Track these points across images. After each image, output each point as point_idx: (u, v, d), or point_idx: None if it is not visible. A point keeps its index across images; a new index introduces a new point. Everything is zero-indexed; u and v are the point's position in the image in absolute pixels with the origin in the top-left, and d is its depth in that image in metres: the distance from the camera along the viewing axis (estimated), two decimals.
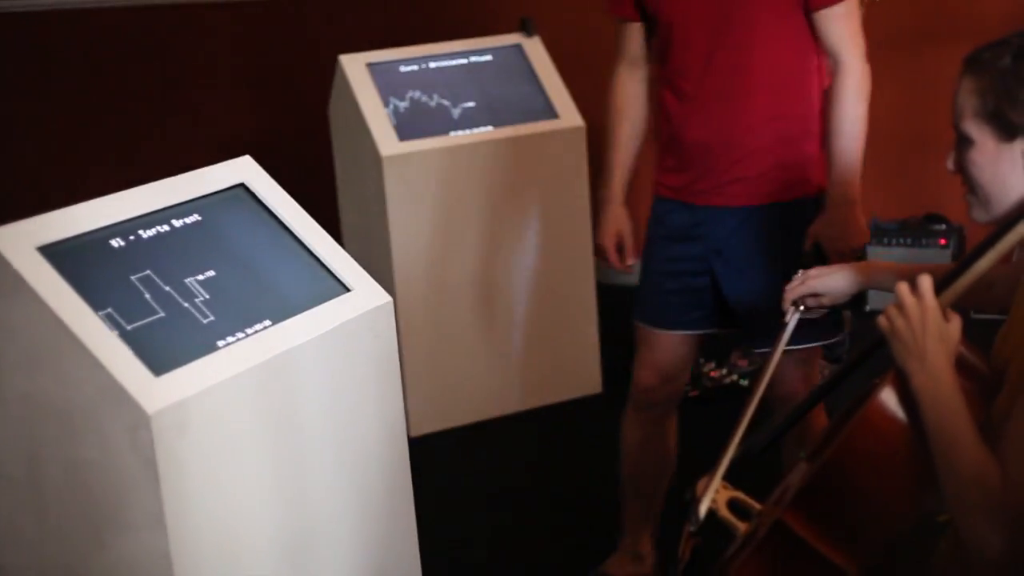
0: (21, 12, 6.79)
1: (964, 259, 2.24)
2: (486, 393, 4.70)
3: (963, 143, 2.24)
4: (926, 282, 2.18)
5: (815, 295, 2.73)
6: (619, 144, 3.52)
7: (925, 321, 2.15)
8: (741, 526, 2.47)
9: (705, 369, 4.78)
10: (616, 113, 3.52)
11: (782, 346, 2.72)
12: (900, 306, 2.18)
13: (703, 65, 3.24)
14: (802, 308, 2.74)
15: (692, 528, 2.48)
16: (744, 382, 4.70)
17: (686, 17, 3.24)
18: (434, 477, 4.17)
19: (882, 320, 2.20)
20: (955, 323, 2.18)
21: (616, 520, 3.63)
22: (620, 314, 5.39)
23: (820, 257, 3.20)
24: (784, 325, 2.74)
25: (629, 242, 3.52)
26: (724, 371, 4.79)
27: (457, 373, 4.65)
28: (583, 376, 4.83)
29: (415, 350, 4.51)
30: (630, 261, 3.53)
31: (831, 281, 2.72)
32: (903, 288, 2.18)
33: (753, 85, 3.22)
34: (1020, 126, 2.16)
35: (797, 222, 3.27)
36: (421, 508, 2.97)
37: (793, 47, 3.21)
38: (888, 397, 2.18)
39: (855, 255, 3.22)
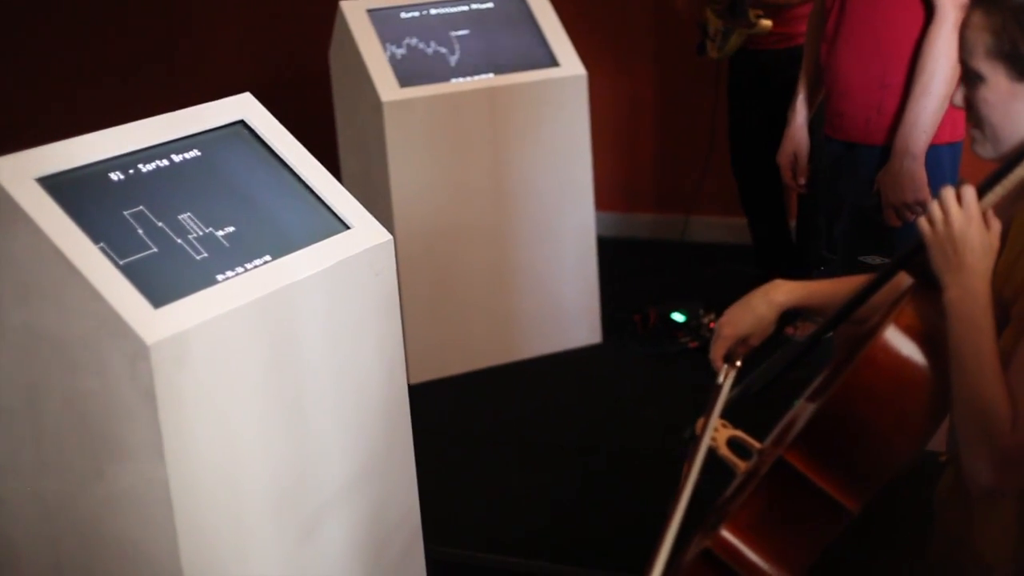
0: None
1: (1002, 165, 2.18)
2: (486, 342, 4.70)
3: (973, 79, 2.19)
4: (970, 192, 2.13)
5: (740, 341, 2.55)
6: (806, 63, 3.56)
7: (968, 233, 2.10)
8: (741, 464, 2.46)
9: (705, 320, 4.78)
10: (810, 29, 3.56)
11: (719, 408, 2.48)
12: (945, 212, 2.12)
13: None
14: (738, 364, 2.54)
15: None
16: None
17: None
18: (433, 424, 4.17)
19: (924, 223, 2.15)
20: (995, 230, 2.13)
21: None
22: (619, 265, 5.42)
23: (879, 206, 3.20)
24: (719, 387, 2.52)
25: (803, 162, 3.53)
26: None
27: (457, 321, 4.64)
28: (583, 325, 4.83)
29: (415, 297, 4.51)
30: (801, 180, 3.53)
31: (745, 319, 2.54)
32: (949, 194, 2.13)
33: (856, 23, 3.25)
34: None
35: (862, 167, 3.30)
36: (420, 454, 2.97)
37: None
38: (893, 335, 2.16)
39: (910, 210, 3.20)
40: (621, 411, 4.34)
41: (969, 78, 2.21)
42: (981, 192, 2.17)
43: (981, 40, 2.16)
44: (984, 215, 2.13)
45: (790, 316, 2.59)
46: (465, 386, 4.61)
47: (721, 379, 2.52)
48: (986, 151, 2.23)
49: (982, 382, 2.06)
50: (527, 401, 4.49)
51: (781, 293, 2.54)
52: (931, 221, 2.14)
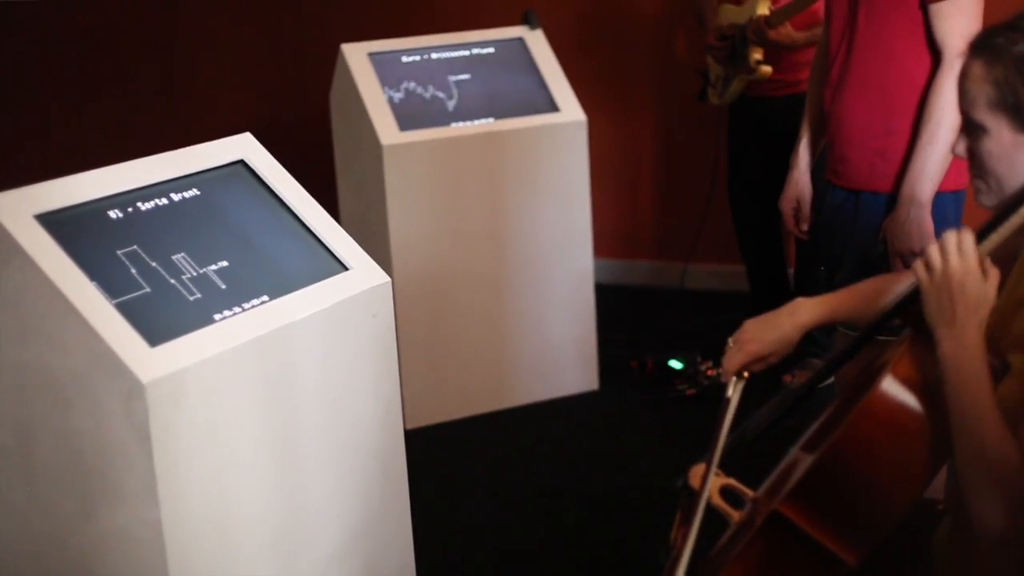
0: (26, 0, 6.82)
1: (999, 212, 2.15)
2: (482, 387, 4.68)
3: (975, 131, 2.16)
4: (968, 241, 2.09)
5: (760, 359, 2.50)
6: (809, 108, 3.55)
7: (965, 283, 2.07)
8: (735, 514, 2.44)
9: (702, 367, 4.76)
10: (814, 74, 3.56)
11: (728, 423, 2.42)
12: (945, 259, 2.09)
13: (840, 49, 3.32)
14: (746, 375, 2.49)
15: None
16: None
17: (830, 1, 3.35)
18: (429, 469, 4.15)
19: (921, 270, 2.11)
20: (993, 279, 2.09)
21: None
22: (617, 312, 5.41)
23: (885, 255, 3.19)
24: (727, 400, 2.46)
25: (805, 209, 3.52)
26: (721, 369, 4.77)
27: (454, 366, 4.62)
28: (581, 372, 4.81)
29: (412, 341, 4.49)
30: (804, 227, 3.53)
31: (770, 337, 2.49)
32: (951, 240, 2.09)
33: (861, 70, 3.24)
34: None
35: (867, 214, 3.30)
36: (415, 500, 2.94)
37: (904, 37, 3.20)
38: (890, 385, 2.14)
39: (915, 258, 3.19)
40: (618, 458, 4.31)
41: (971, 129, 2.18)
42: (978, 239, 2.15)
43: (983, 92, 2.13)
44: (982, 263, 2.10)
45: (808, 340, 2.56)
46: (462, 431, 4.58)
47: (730, 392, 2.47)
48: (991, 201, 2.20)
49: (985, 433, 2.03)
50: (524, 447, 4.46)
51: (805, 313, 2.51)
52: (929, 267, 2.11)
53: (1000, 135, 2.13)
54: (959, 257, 2.09)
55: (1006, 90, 2.10)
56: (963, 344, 2.06)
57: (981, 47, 2.15)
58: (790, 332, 2.50)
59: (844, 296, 2.57)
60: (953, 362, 2.07)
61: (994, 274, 2.10)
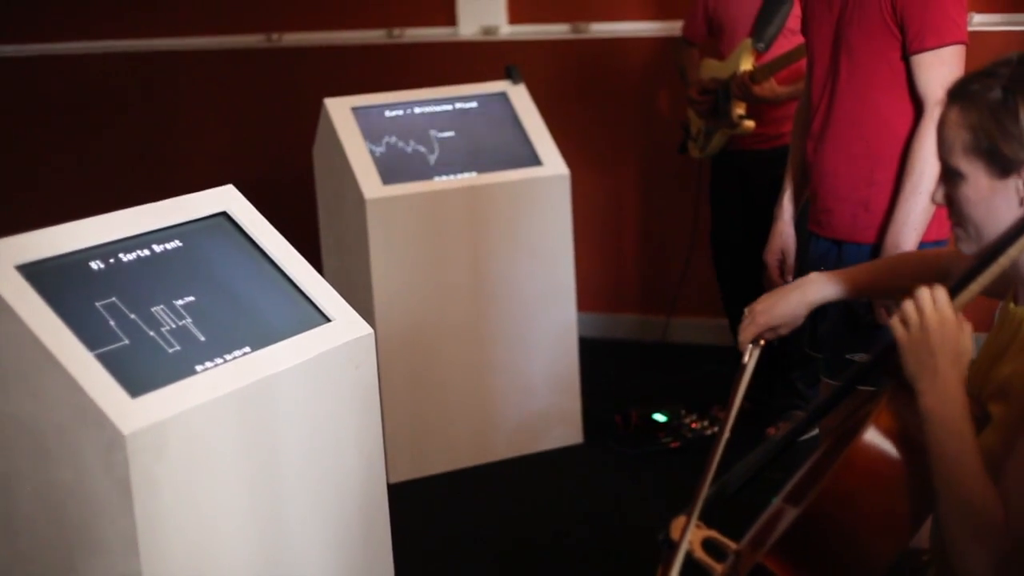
0: (15, 57, 6.85)
1: (975, 264, 2.16)
2: (466, 441, 4.66)
3: (953, 177, 2.16)
4: (942, 294, 2.10)
5: (771, 329, 2.63)
6: (792, 160, 3.55)
7: (943, 336, 2.07)
8: (717, 567, 2.42)
9: (686, 420, 4.75)
10: (796, 126, 3.57)
11: (743, 388, 2.60)
12: (921, 314, 2.10)
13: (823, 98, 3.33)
14: (761, 343, 2.65)
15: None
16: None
17: (812, 52, 3.35)
18: (412, 524, 4.14)
19: (897, 326, 2.12)
20: (968, 332, 2.10)
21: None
22: (601, 365, 5.41)
23: (869, 304, 3.19)
24: (743, 367, 2.61)
25: (790, 260, 3.52)
26: (705, 423, 4.77)
27: (437, 420, 4.61)
28: (564, 426, 4.80)
29: (394, 395, 4.48)
30: (789, 278, 3.53)
31: (780, 310, 2.61)
32: (924, 295, 2.10)
33: (843, 121, 3.25)
34: (1015, 161, 2.08)
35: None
36: (398, 554, 2.92)
37: (886, 88, 3.21)
38: (873, 436, 2.14)
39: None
40: (603, 512, 4.30)
41: (949, 176, 2.18)
42: (955, 291, 2.15)
43: (959, 137, 2.13)
44: (958, 317, 2.10)
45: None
46: (445, 485, 4.56)
47: (746, 359, 2.62)
48: (970, 248, 2.19)
49: (968, 486, 2.03)
50: (507, 502, 4.44)
51: (814, 291, 2.61)
52: (906, 323, 2.11)
53: (977, 181, 2.13)
54: (934, 310, 2.09)
55: (981, 135, 2.10)
56: (946, 397, 2.06)
57: (957, 94, 2.16)
58: (797, 308, 2.61)
59: (857, 272, 2.65)
60: (937, 415, 2.06)
61: (968, 327, 2.11)
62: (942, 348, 2.07)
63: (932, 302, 2.09)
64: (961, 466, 2.04)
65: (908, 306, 2.11)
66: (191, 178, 5.80)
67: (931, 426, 2.07)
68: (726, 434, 2.54)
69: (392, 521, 2.90)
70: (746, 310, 2.66)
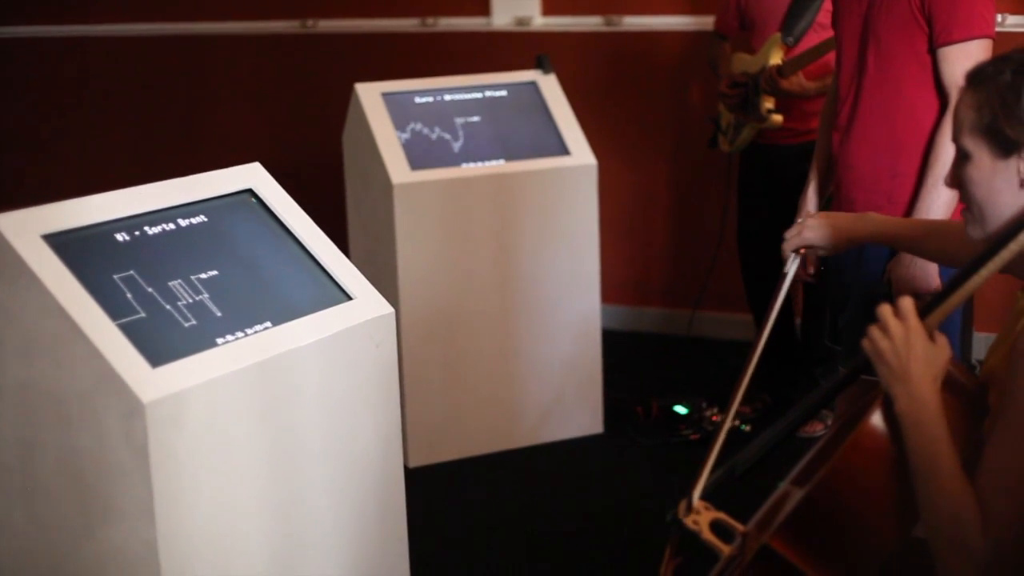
0: (62, 37, 6.91)
1: (954, 278, 2.20)
2: (487, 427, 4.68)
3: (961, 158, 2.20)
4: (908, 304, 2.14)
5: (811, 246, 2.80)
6: (818, 153, 3.59)
7: (909, 343, 2.11)
8: (724, 548, 2.44)
9: (707, 413, 4.76)
10: (823, 119, 3.60)
11: (783, 293, 2.80)
12: (884, 327, 2.14)
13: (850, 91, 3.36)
14: (802, 251, 2.84)
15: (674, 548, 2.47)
16: (745, 428, 4.68)
17: (841, 44, 3.40)
18: (431, 509, 4.16)
19: (866, 342, 2.16)
20: (942, 344, 2.14)
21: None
22: (624, 357, 5.42)
23: (890, 295, 3.20)
24: (784, 274, 2.83)
25: (813, 252, 3.55)
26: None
27: (458, 405, 4.63)
28: (585, 415, 4.81)
29: (417, 379, 4.50)
30: (811, 270, 3.56)
31: (824, 232, 2.78)
32: (886, 310, 2.15)
33: (870, 113, 3.27)
34: (1017, 142, 2.12)
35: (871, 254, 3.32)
36: (416, 538, 2.94)
37: (913, 81, 3.23)
38: (878, 420, 2.16)
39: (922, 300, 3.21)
40: (620, 501, 4.31)
41: (958, 156, 2.22)
42: (928, 308, 2.18)
43: (968, 117, 2.18)
44: (928, 329, 2.14)
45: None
46: (465, 472, 4.58)
47: (788, 267, 2.85)
48: (975, 232, 2.23)
49: (943, 489, 2.06)
50: (526, 489, 4.46)
51: (862, 227, 2.78)
52: (872, 339, 2.15)
53: (981, 160, 2.17)
54: (898, 322, 2.13)
55: (985, 113, 2.14)
56: (919, 400, 2.09)
57: (972, 77, 2.21)
58: (837, 238, 2.79)
59: (908, 224, 2.84)
60: (911, 419, 2.09)
61: (941, 339, 2.15)
62: (913, 351, 2.11)
63: (893, 316, 2.14)
64: (936, 470, 2.07)
65: (873, 327, 2.17)
66: (222, 160, 5.85)
67: (908, 431, 2.10)
68: (758, 348, 2.72)
69: (410, 505, 2.92)
70: (798, 219, 2.84)
